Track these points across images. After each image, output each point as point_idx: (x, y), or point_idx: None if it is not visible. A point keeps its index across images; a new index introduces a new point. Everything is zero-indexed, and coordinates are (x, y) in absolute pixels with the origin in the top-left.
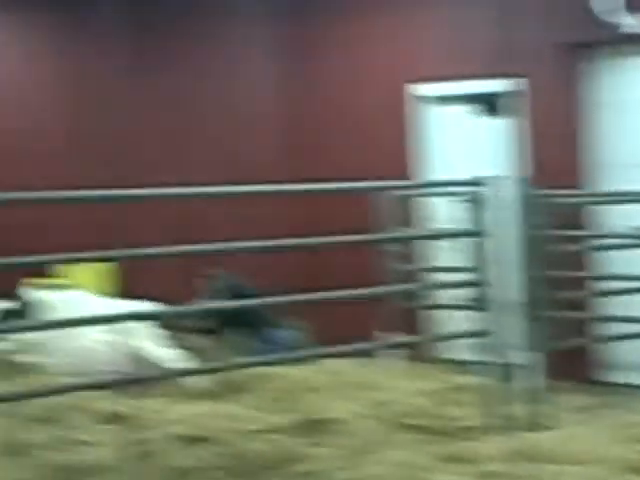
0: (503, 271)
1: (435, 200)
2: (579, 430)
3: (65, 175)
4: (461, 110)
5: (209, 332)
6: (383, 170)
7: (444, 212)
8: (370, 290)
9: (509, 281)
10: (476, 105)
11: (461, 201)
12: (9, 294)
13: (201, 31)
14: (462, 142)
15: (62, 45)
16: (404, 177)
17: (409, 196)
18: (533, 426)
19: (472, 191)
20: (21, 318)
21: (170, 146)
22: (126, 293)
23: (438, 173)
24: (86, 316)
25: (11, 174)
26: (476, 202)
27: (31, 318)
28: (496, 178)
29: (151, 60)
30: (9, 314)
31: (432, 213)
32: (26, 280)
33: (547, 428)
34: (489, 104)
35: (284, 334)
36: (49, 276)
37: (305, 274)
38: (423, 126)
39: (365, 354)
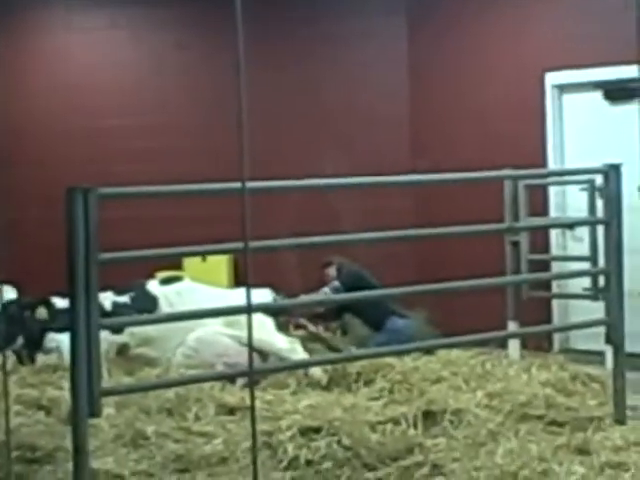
0: (631, 260)
1: (567, 189)
2: None
3: (186, 170)
4: (597, 97)
5: (328, 322)
6: (516, 159)
7: (575, 201)
8: (497, 279)
9: (635, 269)
10: (612, 92)
11: (591, 189)
12: (123, 287)
13: (326, 25)
14: (598, 130)
15: (184, 38)
16: (538, 166)
17: (541, 185)
18: None
19: (602, 179)
20: (133, 311)
21: (293, 139)
22: (242, 286)
23: (573, 162)
24: (208, 308)
25: (134, 170)
26: (605, 190)
27: (145, 311)
28: (621, 166)
29: (275, 54)
30: (119, 307)
31: (564, 202)
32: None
33: None
34: (626, 91)
35: (405, 323)
36: (165, 269)
37: (430, 264)
38: (558, 114)
39: (489, 344)
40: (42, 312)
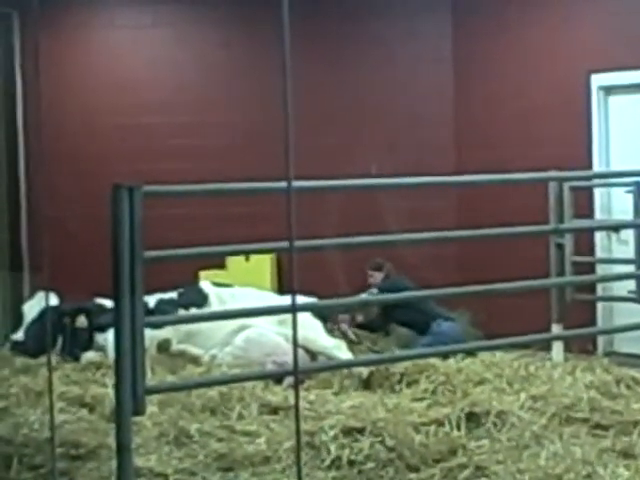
0: None
1: (612, 191)
2: None
3: (230, 169)
4: None
5: (373, 324)
6: (561, 161)
7: (621, 203)
8: (541, 282)
9: None
10: None
11: (637, 191)
12: (173, 286)
13: (371, 24)
14: None
15: (229, 37)
16: (583, 168)
17: (587, 187)
18: None
19: None
20: (179, 306)
21: (337, 138)
22: (284, 286)
23: (619, 164)
24: (253, 307)
25: (177, 168)
26: None
27: (193, 306)
28: None
29: (320, 52)
30: (163, 303)
31: (609, 204)
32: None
33: None
34: None
35: (450, 326)
36: (208, 269)
37: (473, 266)
38: (604, 116)
39: (532, 346)
40: (82, 321)
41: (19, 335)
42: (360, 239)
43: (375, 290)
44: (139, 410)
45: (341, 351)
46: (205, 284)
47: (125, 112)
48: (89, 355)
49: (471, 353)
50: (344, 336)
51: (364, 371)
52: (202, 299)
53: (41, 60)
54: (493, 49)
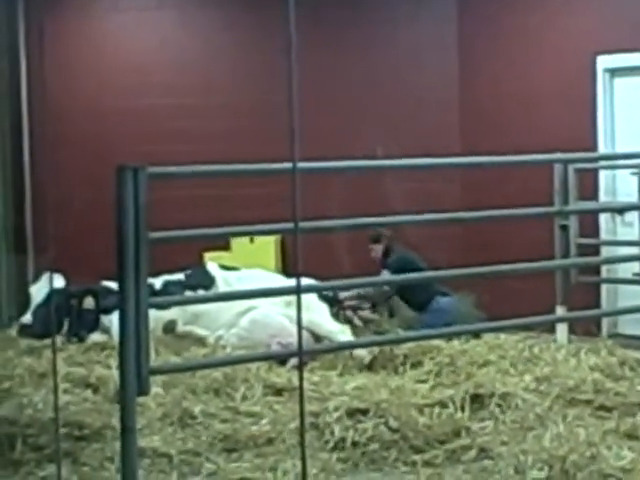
0: None
1: (617, 173)
2: None
3: (235, 150)
4: None
5: (377, 306)
6: (566, 143)
7: (626, 185)
8: (545, 263)
9: None
10: None
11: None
12: (180, 267)
13: (376, 7)
14: None
15: (234, 19)
16: (588, 151)
17: (592, 169)
18: None
19: None
20: (186, 288)
21: (342, 121)
22: (289, 268)
23: (624, 146)
24: (257, 288)
25: (182, 150)
26: None
27: (200, 287)
28: None
29: (325, 35)
30: (170, 284)
31: (614, 186)
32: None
33: None
34: None
35: (448, 301)
36: (213, 251)
37: (478, 248)
38: (609, 98)
39: (537, 328)
40: (90, 302)
41: (27, 318)
42: (365, 220)
43: (386, 272)
44: (143, 390)
45: (345, 336)
46: (212, 266)
47: (129, 94)
48: (94, 337)
49: (475, 335)
50: (349, 321)
51: (366, 357)
52: (209, 281)
53: (46, 43)
54: (498, 32)
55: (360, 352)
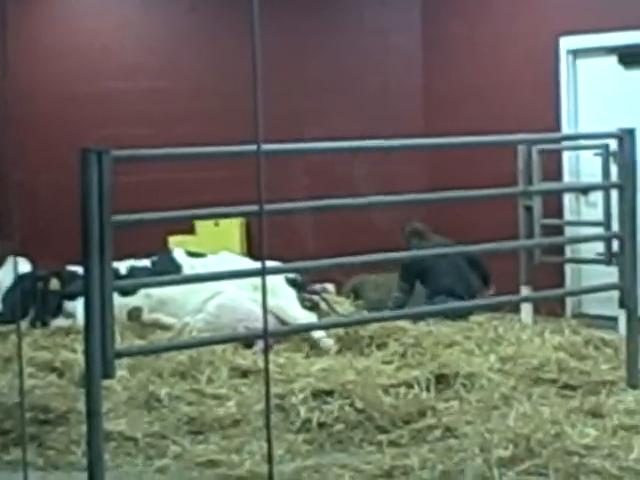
0: None
1: (581, 154)
2: None
3: (199, 134)
4: (612, 62)
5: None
6: (530, 125)
7: (589, 166)
8: (510, 243)
9: None
10: (626, 57)
11: (605, 154)
12: (146, 253)
13: None
14: (612, 95)
15: (199, 3)
16: (552, 132)
17: (555, 150)
18: None
19: (617, 144)
20: (152, 274)
21: (306, 105)
22: (254, 252)
23: (587, 127)
24: (222, 271)
25: (146, 133)
26: (620, 155)
27: (166, 275)
28: (636, 130)
29: (289, 19)
30: (136, 270)
31: (577, 167)
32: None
33: None
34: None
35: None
36: (178, 234)
37: (443, 229)
38: (572, 79)
39: (502, 309)
40: (55, 283)
41: None
42: (329, 202)
43: None
44: (108, 373)
45: (310, 320)
46: (178, 253)
47: (92, 78)
48: (58, 322)
49: (461, 316)
50: (316, 306)
51: (333, 347)
52: (175, 268)
53: (8, 25)
54: (462, 15)
55: (327, 342)
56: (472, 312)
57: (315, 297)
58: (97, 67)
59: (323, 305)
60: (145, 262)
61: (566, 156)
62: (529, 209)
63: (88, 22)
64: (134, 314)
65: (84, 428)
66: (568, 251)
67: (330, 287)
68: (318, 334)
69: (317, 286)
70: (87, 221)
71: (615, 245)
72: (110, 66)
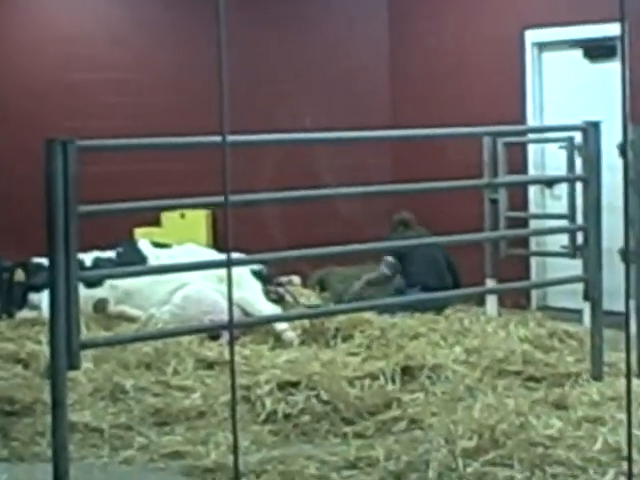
0: (609, 218)
1: (546, 147)
2: None
3: (165, 126)
4: (577, 55)
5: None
6: (495, 117)
7: (554, 160)
8: (475, 236)
9: (612, 227)
10: (592, 50)
11: (570, 147)
12: (111, 244)
13: None
14: (577, 88)
15: None
16: (517, 125)
17: (521, 143)
18: (634, 372)
19: (582, 137)
20: (117, 266)
21: (273, 94)
22: (220, 243)
23: (552, 120)
24: (188, 262)
25: (112, 125)
26: (585, 148)
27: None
28: (601, 123)
29: (255, 8)
30: (101, 261)
31: (542, 160)
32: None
33: None
34: (605, 49)
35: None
36: (143, 226)
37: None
38: (538, 72)
39: (467, 301)
40: (20, 275)
41: None
42: (295, 193)
43: (391, 258)
44: (74, 364)
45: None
46: (144, 244)
47: (59, 68)
48: (23, 313)
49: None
50: (282, 299)
51: (295, 339)
52: (140, 259)
53: None
54: (429, 5)
55: (289, 334)
56: (445, 306)
57: (280, 289)
58: (63, 58)
59: (288, 297)
60: (110, 253)
61: (531, 149)
62: (494, 202)
63: (55, 13)
64: (100, 306)
65: (49, 419)
66: (533, 244)
67: (296, 279)
68: (281, 327)
69: (283, 278)
70: (52, 211)
71: (580, 238)
72: (76, 57)
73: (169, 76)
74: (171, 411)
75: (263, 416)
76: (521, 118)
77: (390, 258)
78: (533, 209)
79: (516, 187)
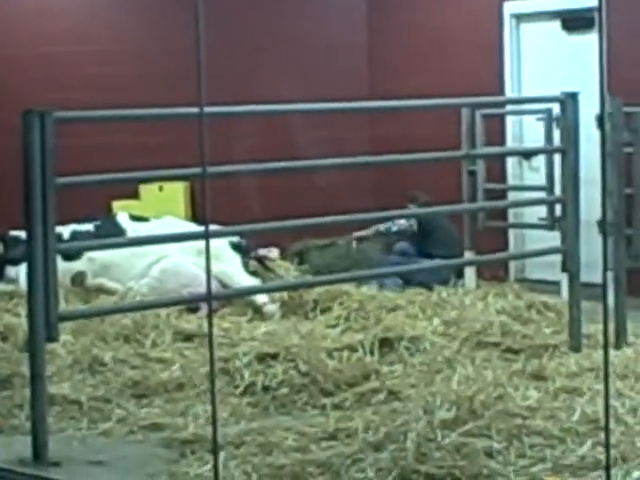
0: (587, 190)
1: (524, 119)
2: None
3: (143, 98)
4: (555, 27)
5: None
6: (474, 89)
7: (533, 132)
8: (453, 207)
9: (590, 199)
10: (570, 21)
11: (548, 119)
12: (89, 217)
13: None
14: (556, 59)
15: None
16: (496, 96)
17: (499, 115)
18: (611, 344)
19: (560, 108)
20: (95, 239)
21: (251, 66)
22: (199, 216)
23: (531, 92)
24: (166, 234)
25: (90, 97)
26: (563, 119)
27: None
28: (579, 95)
29: None
30: (79, 235)
31: (520, 132)
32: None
33: (626, 346)
34: (583, 20)
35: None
36: (122, 199)
37: (388, 192)
38: (516, 44)
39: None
40: None
41: None
42: (272, 165)
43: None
44: (52, 337)
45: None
46: (122, 217)
47: (37, 41)
48: (1, 286)
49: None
50: (262, 268)
51: (276, 312)
52: (119, 232)
53: None
54: None
55: (270, 307)
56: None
57: (258, 264)
58: (39, 31)
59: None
60: (88, 226)
61: (509, 120)
62: (472, 173)
63: None
64: (78, 279)
65: (28, 392)
66: (511, 216)
67: (275, 252)
68: (262, 299)
69: (261, 251)
70: (29, 183)
71: (558, 210)
72: (52, 29)
73: (147, 48)
74: (150, 383)
75: (242, 388)
76: (499, 90)
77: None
78: (511, 181)
79: (494, 159)
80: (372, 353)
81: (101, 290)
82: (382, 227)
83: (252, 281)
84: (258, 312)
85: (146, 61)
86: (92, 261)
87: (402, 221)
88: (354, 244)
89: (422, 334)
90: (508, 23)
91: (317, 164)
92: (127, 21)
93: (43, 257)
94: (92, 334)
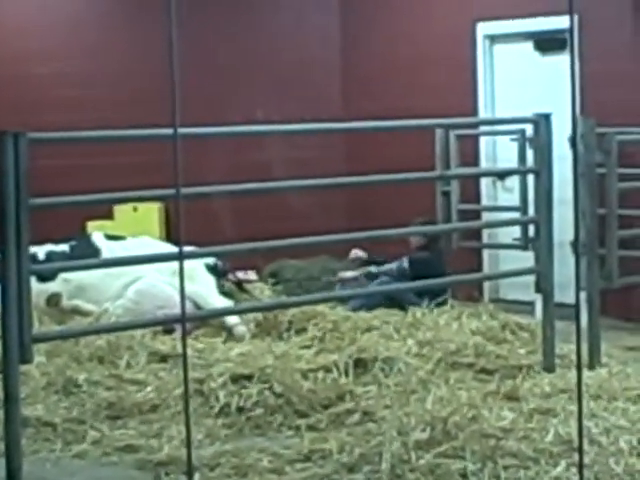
0: (560, 210)
1: (498, 140)
2: (628, 368)
3: (116, 119)
4: (528, 48)
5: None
6: (447, 110)
7: (506, 152)
8: (427, 228)
9: (563, 220)
10: (543, 43)
11: (522, 139)
12: (64, 237)
13: None
14: (529, 81)
15: None
16: (469, 117)
17: (473, 135)
18: (584, 364)
19: (533, 129)
20: (70, 260)
21: (224, 86)
22: (173, 236)
23: (504, 113)
24: (140, 255)
25: (63, 119)
26: (536, 140)
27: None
28: (552, 116)
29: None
30: (54, 255)
31: (494, 153)
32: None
33: (599, 366)
34: (556, 41)
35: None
36: (96, 219)
37: (361, 213)
38: (489, 65)
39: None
40: None
41: None
42: (248, 186)
43: (406, 264)
44: (26, 358)
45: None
46: (97, 236)
47: (9, 62)
48: None
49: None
50: (239, 290)
51: (246, 333)
52: (94, 252)
53: None
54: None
55: (240, 329)
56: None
57: (233, 286)
58: (14, 50)
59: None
60: (63, 247)
61: (483, 141)
62: (446, 194)
63: (5, 6)
64: (53, 300)
65: (1, 414)
66: (485, 236)
67: (252, 274)
68: (232, 321)
69: (240, 273)
70: (3, 204)
71: (531, 230)
72: (27, 50)
73: (120, 69)
74: (124, 405)
75: (216, 409)
76: (473, 110)
77: (405, 265)
78: (485, 201)
79: (468, 179)
80: (347, 374)
81: (76, 311)
82: (374, 269)
83: (225, 302)
84: (231, 333)
85: (119, 82)
86: (67, 282)
87: (394, 264)
88: (337, 287)
89: (396, 355)
90: (481, 44)
91: (290, 185)
92: (101, 42)
93: (17, 278)
94: (66, 355)
